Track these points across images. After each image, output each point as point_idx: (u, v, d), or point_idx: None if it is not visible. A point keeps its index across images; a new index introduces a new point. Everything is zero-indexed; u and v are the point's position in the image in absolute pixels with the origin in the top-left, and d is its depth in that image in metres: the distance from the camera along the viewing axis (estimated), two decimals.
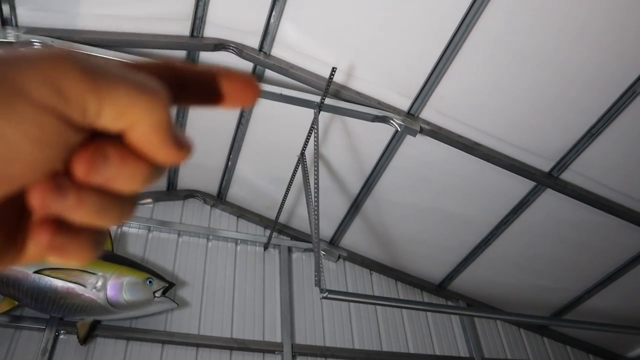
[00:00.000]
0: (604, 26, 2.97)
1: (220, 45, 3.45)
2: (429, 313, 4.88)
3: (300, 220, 4.78)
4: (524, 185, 3.93)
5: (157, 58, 0.41)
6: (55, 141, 0.32)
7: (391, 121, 3.50)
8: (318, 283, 2.80)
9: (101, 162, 0.34)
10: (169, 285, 3.94)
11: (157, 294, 3.84)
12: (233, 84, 0.41)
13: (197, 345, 3.97)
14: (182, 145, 0.36)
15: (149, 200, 4.74)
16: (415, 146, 3.76)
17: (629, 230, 4.13)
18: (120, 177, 0.35)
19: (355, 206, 4.43)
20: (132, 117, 0.33)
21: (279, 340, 4.20)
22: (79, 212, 0.34)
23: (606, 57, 3.11)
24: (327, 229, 4.77)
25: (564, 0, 2.87)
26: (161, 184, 4.71)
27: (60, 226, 0.35)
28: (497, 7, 2.93)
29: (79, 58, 0.33)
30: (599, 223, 4.09)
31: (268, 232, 4.76)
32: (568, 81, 3.27)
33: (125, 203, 0.37)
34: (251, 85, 0.41)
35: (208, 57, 3.54)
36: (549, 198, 3.97)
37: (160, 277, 3.95)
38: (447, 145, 3.67)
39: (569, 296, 4.90)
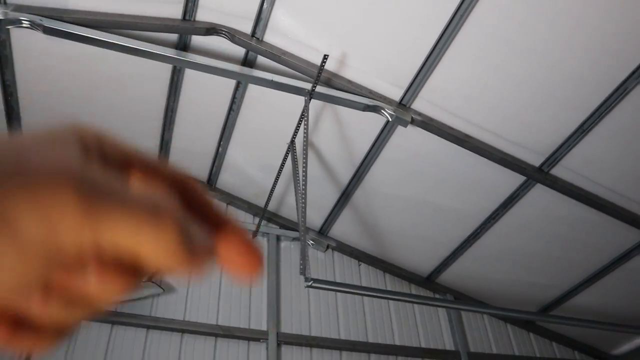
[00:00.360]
0: (598, 22, 2.95)
1: (212, 29, 3.40)
2: (416, 305, 4.88)
3: (290, 209, 4.76)
4: (514, 180, 3.92)
5: (177, 170, 0.37)
6: (41, 272, 0.29)
7: (382, 111, 3.47)
8: (303, 271, 2.78)
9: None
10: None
11: (143, 279, 3.82)
12: (234, 243, 0.36)
13: (182, 331, 3.96)
14: (200, 257, 0.33)
15: None
16: (406, 137, 3.73)
17: (618, 228, 4.13)
18: (92, 287, 0.32)
19: (345, 196, 4.40)
20: (137, 242, 0.30)
21: (264, 328, 4.19)
22: (40, 312, 0.32)
23: (599, 53, 3.09)
24: (316, 219, 4.75)
25: None
26: None
27: (19, 322, 0.33)
28: None
29: (81, 180, 0.29)
30: (588, 219, 4.09)
31: (257, 219, 4.73)
32: (561, 76, 3.25)
33: (95, 302, 0.34)
34: (252, 256, 0.36)
35: (200, 41, 3.50)
36: (539, 193, 3.96)
37: None
38: (438, 137, 3.65)
39: (556, 292, 4.91)
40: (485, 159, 3.75)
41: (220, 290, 4.31)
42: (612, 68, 3.17)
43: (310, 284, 2.73)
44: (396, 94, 3.52)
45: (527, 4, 2.92)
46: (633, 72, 3.16)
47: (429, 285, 5.17)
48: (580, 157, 3.70)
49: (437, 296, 5.17)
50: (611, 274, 4.54)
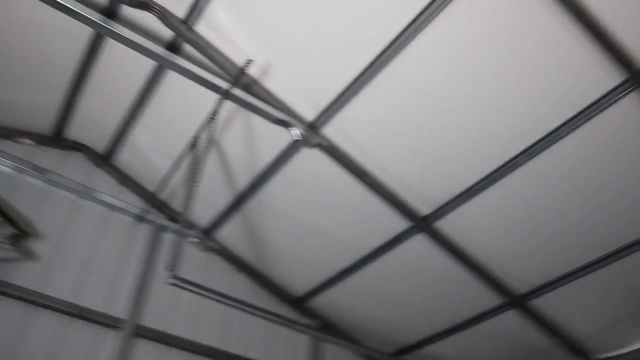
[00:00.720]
0: (503, 97, 3.19)
1: (144, 3, 3.29)
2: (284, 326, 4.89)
3: (181, 201, 4.64)
4: (400, 223, 4.09)
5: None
6: None
7: (291, 128, 3.51)
8: (169, 266, 2.72)
9: None
10: (21, 234, 3.66)
11: (4, 240, 3.56)
12: None
13: (31, 303, 3.68)
14: None
15: (31, 141, 4.42)
16: (309, 159, 3.80)
17: (484, 289, 4.42)
18: None
19: (239, 202, 4.38)
20: None
21: (122, 316, 4.02)
22: None
23: (500, 126, 3.35)
24: (204, 217, 4.66)
25: (477, 58, 3.06)
26: (48, 127, 4.41)
27: None
28: (416, 48, 3.07)
29: None
30: (459, 276, 4.34)
31: (147, 206, 4.58)
32: (463, 136, 3.47)
33: None
34: None
35: (130, 13, 3.38)
36: (420, 241, 4.16)
37: (13, 223, 3.66)
38: (338, 165, 3.76)
39: (415, 337, 5.13)
40: (378, 197, 3.89)
41: (88, 270, 4.10)
42: (508, 140, 3.43)
43: (173, 280, 2.68)
44: (309, 115, 3.59)
45: (446, 60, 3.11)
46: (525, 150, 3.44)
47: (301, 308, 5.21)
48: (465, 216, 3.93)
49: (307, 320, 5.22)
50: (467, 331, 4.83)
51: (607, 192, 3.59)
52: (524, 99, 3.21)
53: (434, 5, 2.87)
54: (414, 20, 2.96)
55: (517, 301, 4.47)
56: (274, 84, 3.52)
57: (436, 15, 2.92)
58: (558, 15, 2.80)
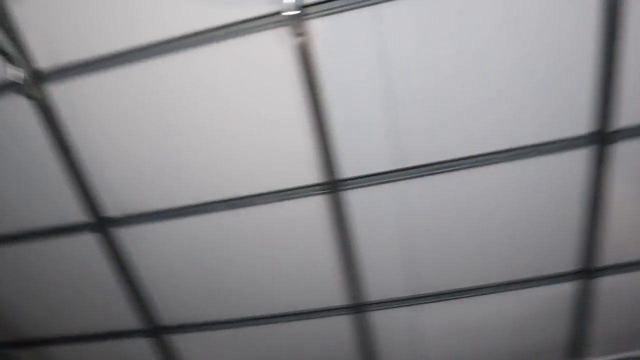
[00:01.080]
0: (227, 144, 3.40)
1: None
2: None
3: None
4: (78, 215, 3.81)
5: None
6: None
7: (13, 66, 3.04)
8: None
9: None
10: None
11: None
12: None
13: None
14: None
15: None
16: (17, 108, 3.36)
17: (129, 309, 4.38)
18: None
19: None
20: None
21: None
22: None
23: (226, 166, 3.50)
24: None
25: (223, 97, 3.22)
26: None
27: None
28: (178, 62, 3.07)
29: None
30: (113, 289, 4.25)
31: None
32: (183, 160, 3.49)
33: None
34: None
35: None
36: (91, 240, 3.94)
37: None
38: (45, 129, 3.41)
39: (38, 333, 4.74)
40: (70, 180, 3.64)
41: None
42: (215, 186, 3.59)
43: None
44: (43, 63, 3.19)
45: (194, 86, 3.19)
46: (224, 200, 3.64)
47: None
48: (149, 234, 3.91)
49: None
50: (97, 344, 4.69)
51: (281, 266, 4.00)
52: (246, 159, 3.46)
53: (213, 34, 2.97)
54: (192, 35, 2.99)
55: (155, 331, 4.54)
56: (21, 13, 3.08)
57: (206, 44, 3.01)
58: None
